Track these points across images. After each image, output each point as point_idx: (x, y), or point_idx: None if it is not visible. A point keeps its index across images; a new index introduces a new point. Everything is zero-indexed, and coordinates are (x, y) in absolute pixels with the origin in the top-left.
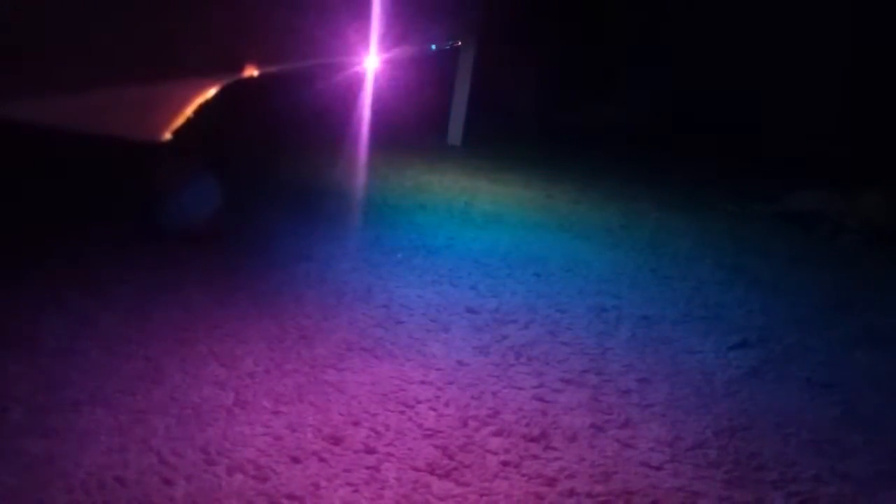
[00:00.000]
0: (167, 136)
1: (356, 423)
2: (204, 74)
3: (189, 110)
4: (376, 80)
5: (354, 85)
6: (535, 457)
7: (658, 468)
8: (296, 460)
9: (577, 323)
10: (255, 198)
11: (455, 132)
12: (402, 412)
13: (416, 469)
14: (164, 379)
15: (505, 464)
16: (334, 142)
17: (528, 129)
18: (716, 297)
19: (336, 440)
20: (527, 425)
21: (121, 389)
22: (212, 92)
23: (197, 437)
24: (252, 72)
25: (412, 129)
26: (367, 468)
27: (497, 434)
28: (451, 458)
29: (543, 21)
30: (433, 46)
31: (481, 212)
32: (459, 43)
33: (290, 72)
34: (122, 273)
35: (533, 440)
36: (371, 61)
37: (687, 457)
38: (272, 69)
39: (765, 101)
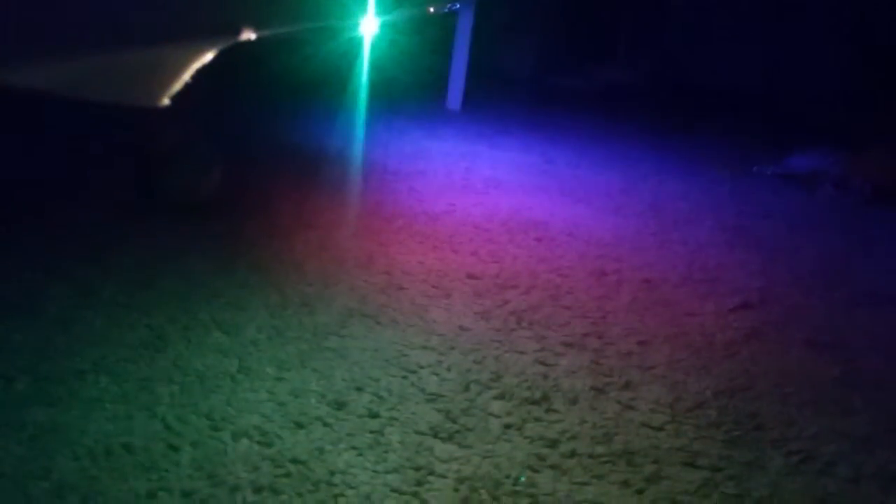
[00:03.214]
0: (165, 101)
1: (359, 389)
2: (200, 38)
3: (187, 75)
4: (375, 44)
5: (353, 49)
6: (536, 419)
7: (659, 429)
8: (300, 425)
9: (578, 287)
10: (255, 165)
11: (454, 97)
12: (405, 377)
13: (420, 433)
14: (168, 347)
15: (507, 426)
16: (334, 108)
17: (527, 92)
18: (716, 259)
19: (339, 405)
20: (528, 388)
21: (124, 358)
22: (209, 56)
23: (201, 404)
24: (249, 35)
25: (411, 95)
26: (371, 432)
27: (499, 397)
28: (453, 421)
29: None
30: (431, 10)
31: (481, 177)
32: (458, 6)
33: (287, 36)
34: (123, 242)
35: (534, 403)
36: (369, 25)
37: (687, 417)
38: (269, 33)
39: (767, 63)
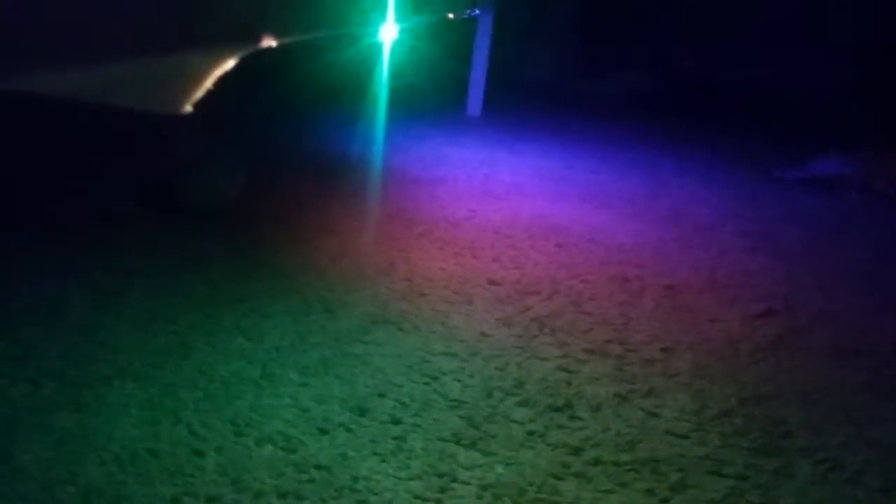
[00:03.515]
0: (188, 108)
1: (382, 395)
2: (222, 45)
3: (209, 83)
4: (394, 50)
5: (372, 55)
6: (560, 426)
7: (684, 437)
8: (323, 431)
9: (600, 293)
10: (278, 171)
11: (474, 103)
12: (427, 383)
13: (443, 439)
14: (192, 353)
15: (530, 433)
16: (354, 114)
17: (548, 98)
18: (739, 264)
19: (362, 411)
20: (551, 395)
21: (150, 364)
22: (231, 63)
23: (226, 410)
24: (270, 42)
25: (431, 101)
26: (394, 438)
27: (522, 404)
28: (476, 428)
29: None
30: (450, 15)
31: (502, 183)
32: (477, 12)
33: (308, 43)
34: (148, 248)
35: (557, 410)
36: (389, 31)
37: (713, 425)
38: (289, 40)
39: (789, 65)
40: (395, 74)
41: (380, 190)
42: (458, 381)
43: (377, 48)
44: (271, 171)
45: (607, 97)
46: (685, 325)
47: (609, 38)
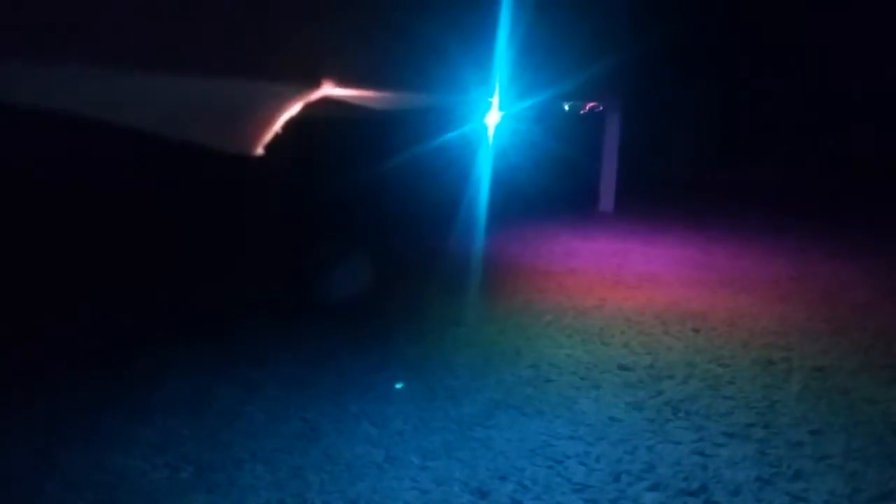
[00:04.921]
0: (259, 150)
1: (503, 478)
2: (288, 84)
3: (277, 125)
4: (516, 147)
5: (480, 144)
6: None
7: None
8: None
9: (741, 376)
10: (402, 268)
11: (606, 198)
12: (551, 467)
13: None
14: (320, 438)
15: None
16: (480, 210)
17: (683, 191)
18: None
19: (482, 494)
20: (685, 479)
21: (280, 448)
22: (296, 108)
23: (348, 491)
24: (333, 89)
25: (562, 199)
26: None
27: (652, 488)
28: None
29: (693, 80)
30: (566, 107)
31: (634, 272)
32: (601, 108)
33: (404, 107)
34: (285, 344)
35: (692, 494)
36: (494, 118)
37: None
38: (360, 93)
39: None
40: (522, 173)
41: (508, 283)
42: (584, 464)
43: (487, 138)
44: (398, 268)
45: (747, 189)
46: (837, 407)
47: (747, 130)
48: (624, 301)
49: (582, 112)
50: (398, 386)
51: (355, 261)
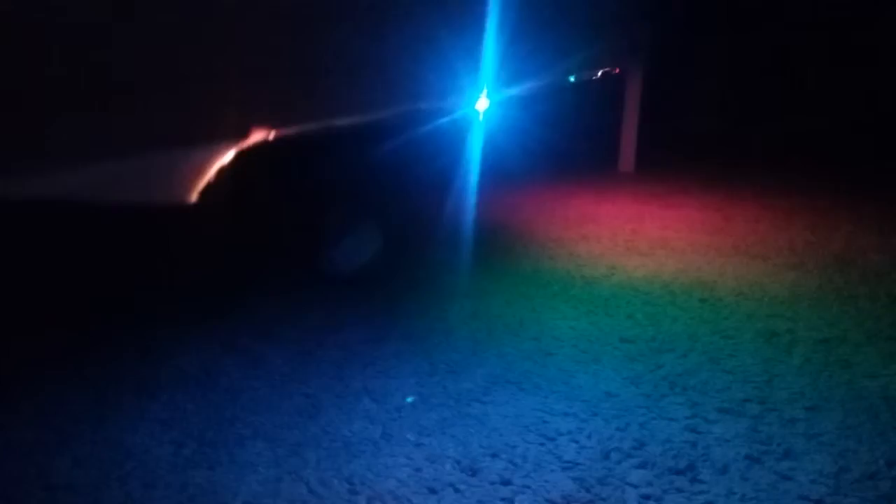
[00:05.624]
0: (193, 198)
1: (495, 455)
2: (225, 136)
3: (210, 174)
4: (536, 111)
5: (472, 129)
6: (678, 490)
7: (817, 501)
8: (432, 490)
9: (743, 349)
10: (413, 237)
11: (627, 158)
12: (542, 444)
13: (551, 501)
14: (320, 414)
15: (645, 497)
16: (495, 176)
17: (709, 148)
18: None
19: (473, 472)
20: (674, 457)
21: (281, 424)
22: (229, 156)
23: (344, 469)
24: (266, 135)
25: (581, 160)
26: (502, 500)
27: (640, 466)
28: (587, 490)
29: (721, 32)
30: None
31: (648, 238)
32: (617, 70)
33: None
34: (290, 316)
35: (679, 473)
36: (485, 103)
37: (853, 489)
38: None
39: None
40: (540, 135)
41: (518, 252)
42: (575, 441)
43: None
44: (407, 238)
45: (775, 143)
46: (837, 381)
47: (777, 80)
48: (634, 269)
49: (595, 78)
50: (408, 400)
51: (363, 232)
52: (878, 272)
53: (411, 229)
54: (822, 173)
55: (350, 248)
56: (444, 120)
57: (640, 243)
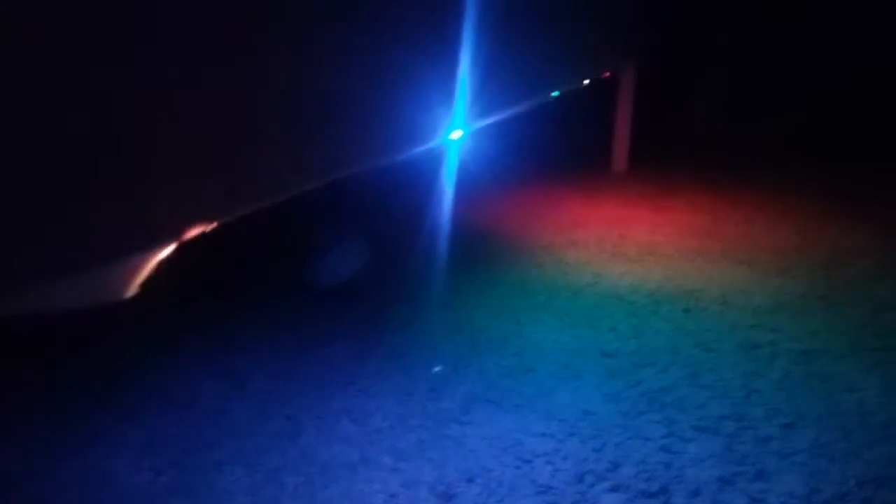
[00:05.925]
0: (132, 292)
1: (470, 480)
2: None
3: (150, 267)
4: (534, 118)
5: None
6: None
7: None
8: None
9: (723, 363)
10: (400, 248)
11: (620, 158)
12: (518, 467)
13: None
14: (300, 436)
15: None
16: (486, 181)
17: (705, 147)
18: (893, 324)
19: (448, 497)
20: (647, 480)
21: (260, 448)
22: (170, 248)
23: (319, 496)
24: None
25: (574, 160)
26: None
27: (613, 490)
28: None
29: (715, 29)
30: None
31: (636, 243)
32: (607, 75)
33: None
34: (273, 332)
35: (651, 496)
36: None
37: None
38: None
39: None
40: (535, 141)
41: (506, 261)
42: (550, 463)
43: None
44: (394, 248)
45: (772, 142)
46: (815, 396)
47: (775, 78)
48: (620, 277)
49: (583, 86)
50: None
51: (348, 244)
52: (865, 278)
53: (398, 239)
54: (821, 173)
55: (335, 260)
56: (420, 150)
57: (629, 248)
